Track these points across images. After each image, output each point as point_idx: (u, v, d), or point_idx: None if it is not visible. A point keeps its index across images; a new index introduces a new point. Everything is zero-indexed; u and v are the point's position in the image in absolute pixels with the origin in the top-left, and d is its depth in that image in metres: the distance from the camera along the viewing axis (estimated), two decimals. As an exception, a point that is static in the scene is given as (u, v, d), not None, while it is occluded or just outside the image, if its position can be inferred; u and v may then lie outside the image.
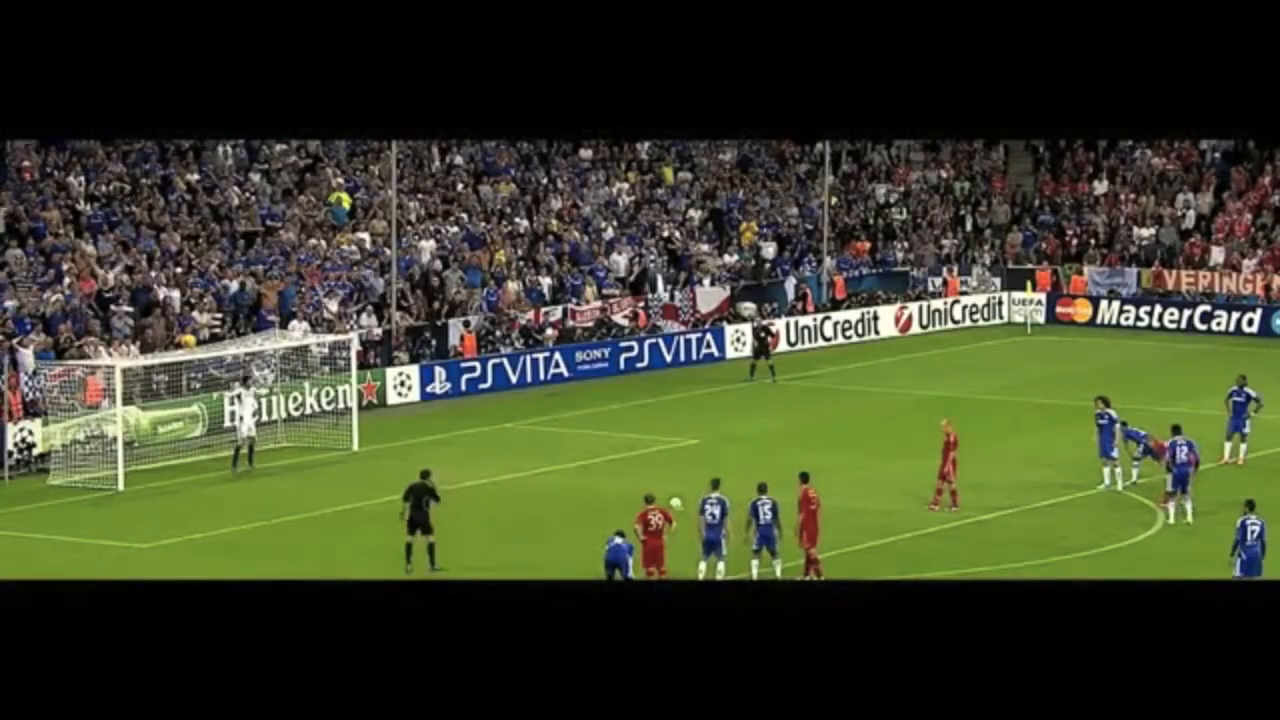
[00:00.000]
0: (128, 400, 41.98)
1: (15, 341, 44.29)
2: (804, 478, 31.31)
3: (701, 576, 30.03)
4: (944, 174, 68.25)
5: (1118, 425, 36.98)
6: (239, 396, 41.90)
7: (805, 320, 58.04)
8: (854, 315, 59.23)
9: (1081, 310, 61.70)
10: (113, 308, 47.16)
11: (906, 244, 64.13)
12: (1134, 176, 66.62)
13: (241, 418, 41.41)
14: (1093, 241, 64.48)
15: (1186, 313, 60.18)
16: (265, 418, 44.80)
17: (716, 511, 30.21)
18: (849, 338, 58.53)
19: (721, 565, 30.33)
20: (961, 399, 48.47)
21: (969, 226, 66.15)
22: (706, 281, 58.28)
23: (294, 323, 48.92)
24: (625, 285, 57.04)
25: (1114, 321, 60.85)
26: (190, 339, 47.06)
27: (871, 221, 64.95)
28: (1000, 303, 62.33)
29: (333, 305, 50.82)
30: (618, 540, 29.57)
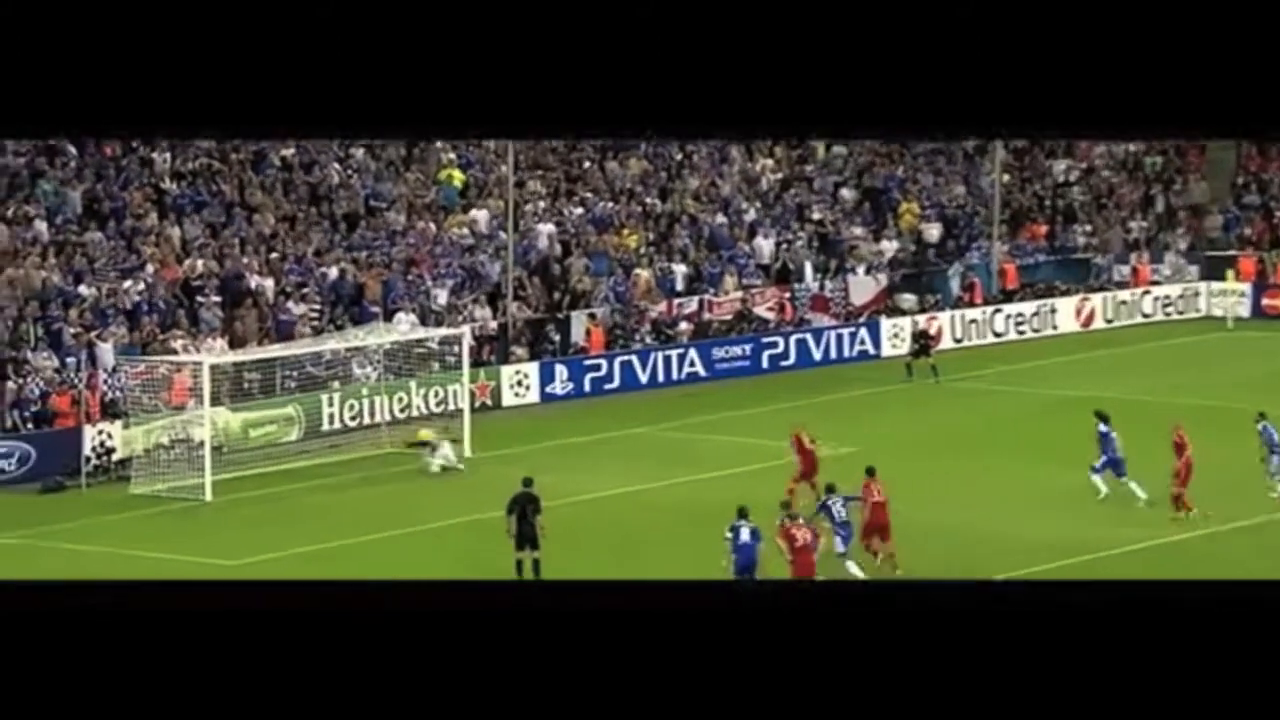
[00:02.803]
0: (216, 400, 42.44)
1: (94, 335, 44.88)
2: (870, 472, 33.97)
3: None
4: (1132, 148, 67.56)
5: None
6: (433, 449, 42.06)
7: (973, 313, 57.73)
8: (1028, 308, 58.88)
9: (1290, 303, 60.91)
10: (200, 298, 47.67)
11: (1089, 227, 63.57)
12: (1352, 150, 65.59)
13: (429, 460, 41.89)
14: (1304, 224, 63.63)
15: None
16: (367, 420, 45.10)
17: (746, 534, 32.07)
18: (1022, 333, 58.13)
19: None
20: (1150, 402, 47.91)
21: (1161, 207, 65.45)
22: (861, 270, 58.07)
23: (399, 315, 49.24)
24: (769, 274, 56.93)
25: (1328, 315, 60.00)
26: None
27: (1049, 201, 64.46)
28: (1197, 294, 61.58)
29: (442, 295, 51.08)
30: (745, 536, 30.74)
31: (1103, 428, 38.31)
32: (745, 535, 31.23)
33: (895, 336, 55.26)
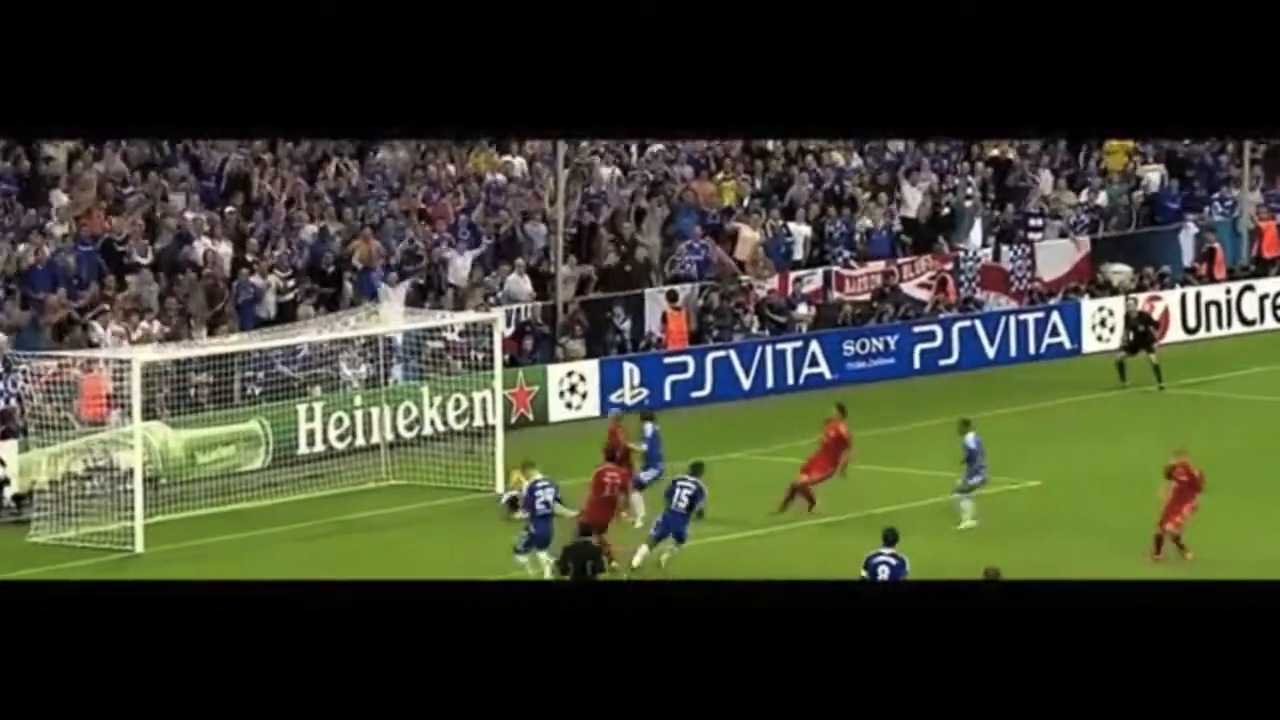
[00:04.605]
0: (150, 413, 42.77)
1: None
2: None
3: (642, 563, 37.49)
4: None
5: None
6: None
7: (1212, 292, 57.99)
8: (1291, 285, 58.87)
9: None
10: (130, 263, 47.92)
11: (1379, 170, 63.42)
12: None
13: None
14: None
15: None
16: (360, 440, 45.31)
17: (687, 496, 38.56)
18: (1283, 320, 58.27)
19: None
20: None
21: None
22: (1053, 231, 58.32)
23: (383, 287, 48.97)
24: (923, 236, 57.19)
25: None
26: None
27: (1322, 134, 64.40)
28: None
29: (464, 265, 51.39)
30: (889, 564, 33.02)
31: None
32: (547, 498, 37.50)
33: (1102, 324, 55.65)
